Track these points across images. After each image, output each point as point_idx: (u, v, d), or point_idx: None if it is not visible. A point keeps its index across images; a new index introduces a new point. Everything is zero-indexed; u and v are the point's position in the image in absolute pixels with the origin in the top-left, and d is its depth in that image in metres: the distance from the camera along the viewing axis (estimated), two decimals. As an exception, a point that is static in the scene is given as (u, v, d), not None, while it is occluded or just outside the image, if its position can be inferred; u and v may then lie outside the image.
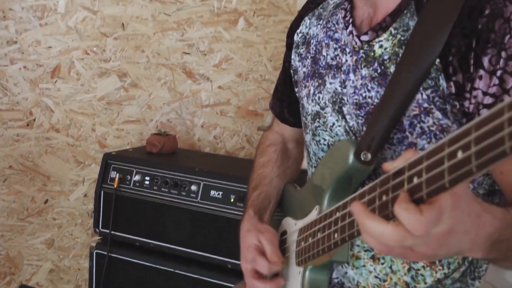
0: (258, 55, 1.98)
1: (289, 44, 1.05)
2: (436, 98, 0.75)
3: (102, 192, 1.66)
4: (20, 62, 1.87)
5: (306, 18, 1.01)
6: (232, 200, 1.52)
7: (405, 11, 0.80)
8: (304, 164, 1.09)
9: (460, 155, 0.48)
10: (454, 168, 0.49)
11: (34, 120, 1.92)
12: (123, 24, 1.90)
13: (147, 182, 1.62)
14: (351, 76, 0.85)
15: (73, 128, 1.94)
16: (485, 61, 0.71)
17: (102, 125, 1.95)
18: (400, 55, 0.78)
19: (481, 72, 0.71)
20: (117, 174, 1.64)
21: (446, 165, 0.50)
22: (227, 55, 1.97)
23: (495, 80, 0.70)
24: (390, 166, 0.58)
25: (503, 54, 0.70)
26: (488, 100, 0.71)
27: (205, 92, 1.98)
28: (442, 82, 0.74)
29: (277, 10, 1.97)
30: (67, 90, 1.91)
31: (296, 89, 1.03)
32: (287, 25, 1.97)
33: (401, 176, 0.56)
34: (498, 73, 0.70)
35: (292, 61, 1.02)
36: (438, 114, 0.76)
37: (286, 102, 1.10)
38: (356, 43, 0.85)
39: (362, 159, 0.78)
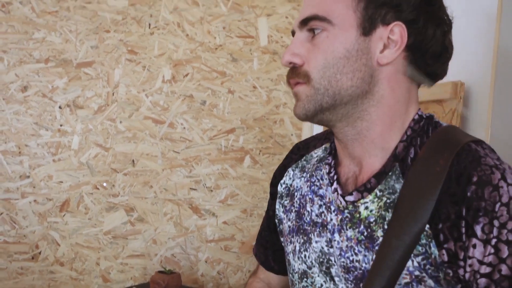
0: (263, 191, 2.02)
1: (273, 194, 1.03)
2: (428, 266, 0.74)
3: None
4: (31, 196, 1.92)
5: (290, 169, 1.00)
6: None
7: (390, 173, 0.81)
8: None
9: None
10: None
11: (40, 253, 1.93)
12: (133, 160, 1.97)
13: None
14: (336, 236, 0.84)
15: (78, 261, 1.95)
16: (478, 229, 0.70)
17: (106, 259, 1.96)
18: (387, 218, 0.78)
19: (475, 240, 0.70)
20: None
21: None
22: (233, 191, 2.02)
23: (490, 249, 0.70)
24: None
25: (496, 222, 0.70)
26: (485, 269, 0.70)
27: (210, 227, 2.00)
28: (434, 250, 0.74)
29: (282, 149, 2.05)
30: (74, 224, 1.95)
31: (281, 239, 1.01)
32: (291, 163, 2.05)
33: None
34: (493, 242, 0.69)
35: (277, 210, 1.01)
36: (430, 282, 0.74)
37: (271, 250, 1.06)
38: (341, 203, 0.84)
39: None
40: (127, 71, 1.97)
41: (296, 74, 0.83)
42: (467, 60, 1.32)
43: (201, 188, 2.00)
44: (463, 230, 0.72)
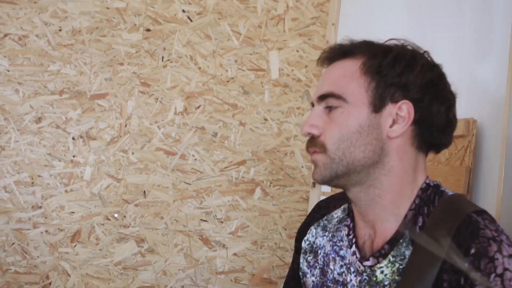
0: (274, 223, 2.03)
1: (298, 248, 1.12)
2: None
3: None
4: (42, 226, 1.93)
5: (312, 228, 1.09)
6: None
7: (401, 240, 0.88)
8: None
9: None
10: None
11: (50, 284, 1.93)
12: (144, 191, 1.98)
13: None
14: None
15: (88, 292, 1.95)
16: None
17: (116, 290, 1.96)
18: (399, 283, 0.85)
19: None
20: None
21: None
22: (243, 223, 2.02)
23: None
24: None
25: None
26: None
27: (220, 259, 2.00)
28: None
29: (293, 181, 2.06)
30: (85, 254, 1.95)
31: None
32: (302, 195, 2.06)
33: None
34: None
35: (301, 264, 1.09)
36: None
37: None
38: (359, 267, 0.92)
39: None
40: (140, 103, 2.00)
41: (314, 144, 0.92)
42: (479, 98, 1.34)
43: (211, 220, 2.01)
44: None
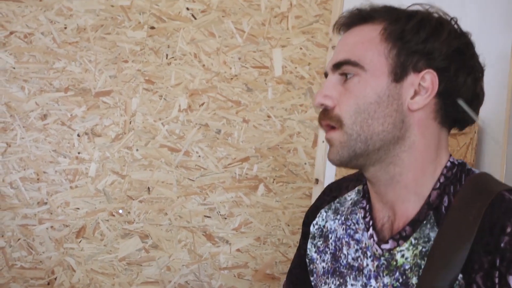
0: (277, 219, 2.04)
1: (305, 233, 1.06)
2: None
3: None
4: (48, 222, 1.95)
5: (323, 211, 1.02)
6: None
7: (424, 222, 0.82)
8: None
9: None
10: None
11: (55, 279, 1.95)
12: (148, 188, 2.00)
13: None
14: (373, 282, 0.85)
15: (93, 287, 1.97)
16: (511, 280, 0.71)
17: (121, 285, 1.98)
18: (422, 266, 0.79)
19: None
20: None
21: None
22: (247, 219, 2.04)
23: None
24: None
25: None
26: None
27: (223, 255, 2.02)
28: None
29: (296, 178, 2.07)
30: (90, 250, 1.97)
31: (311, 278, 1.02)
32: (305, 191, 2.07)
33: None
34: None
35: (308, 250, 1.02)
36: None
37: (300, 287, 1.08)
38: (377, 250, 0.86)
39: None
40: (144, 100, 2.02)
41: (328, 117, 0.85)
42: (481, 95, 1.35)
43: (215, 216, 2.03)
44: (496, 280, 0.72)
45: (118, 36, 2.01)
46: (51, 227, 1.95)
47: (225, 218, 2.03)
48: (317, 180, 2.08)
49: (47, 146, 1.96)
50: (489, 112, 1.30)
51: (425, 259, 0.79)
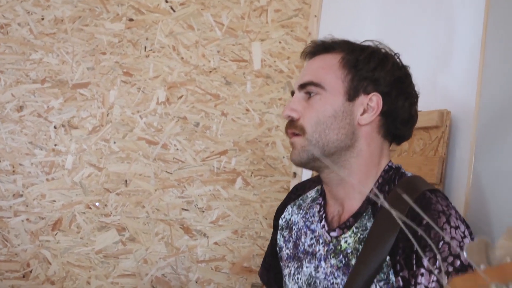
0: (254, 213, 2.05)
1: (275, 226, 1.24)
2: None
3: None
4: (23, 214, 1.93)
5: (289, 206, 1.20)
6: None
7: (364, 214, 1.00)
8: None
9: None
10: None
11: (31, 272, 1.94)
12: (126, 180, 2.00)
13: None
14: (323, 263, 1.03)
15: (69, 280, 1.96)
16: (425, 261, 0.87)
17: (97, 278, 1.97)
18: (360, 250, 0.95)
19: (422, 270, 0.87)
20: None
21: None
22: (224, 213, 2.04)
23: (433, 277, 0.86)
24: None
25: (439, 256, 0.87)
26: None
27: (201, 248, 2.02)
28: (392, 277, 0.91)
29: (274, 171, 2.08)
30: (66, 242, 1.96)
31: (281, 264, 1.19)
32: (282, 185, 2.08)
33: None
34: (436, 271, 0.85)
35: (278, 240, 1.20)
36: None
37: (272, 273, 1.26)
38: (327, 237, 1.03)
39: None
40: (122, 92, 2.01)
41: (294, 126, 1.02)
42: (453, 90, 1.37)
43: (192, 209, 2.03)
44: (414, 261, 0.89)
45: (96, 28, 2.00)
46: (27, 219, 1.94)
47: (203, 211, 2.03)
48: (295, 174, 2.09)
49: (23, 138, 1.94)
50: (459, 105, 1.31)
51: (362, 244, 0.96)
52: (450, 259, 0.86)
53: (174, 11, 2.06)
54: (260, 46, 2.10)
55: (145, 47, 2.03)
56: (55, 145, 1.96)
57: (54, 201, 1.95)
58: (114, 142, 1.99)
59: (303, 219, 1.13)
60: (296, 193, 1.23)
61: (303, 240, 1.10)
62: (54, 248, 1.95)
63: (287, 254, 1.14)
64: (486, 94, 1.17)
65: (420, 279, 0.87)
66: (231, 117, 2.07)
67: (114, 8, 2.01)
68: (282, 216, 1.21)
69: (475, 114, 1.20)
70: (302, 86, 1.03)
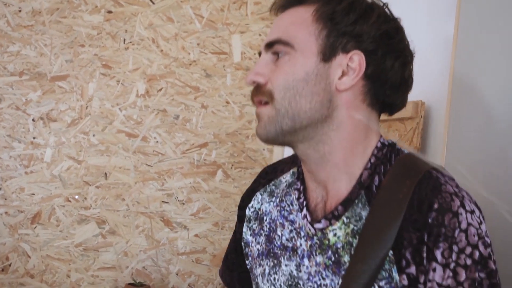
0: (235, 205, 2.05)
1: (241, 217, 1.04)
2: None
3: None
4: (2, 208, 1.92)
5: (258, 193, 1.01)
6: None
7: (356, 201, 0.83)
8: None
9: None
10: None
11: (10, 265, 1.93)
12: (105, 173, 1.99)
13: None
14: (306, 261, 0.86)
15: (48, 273, 1.95)
16: (438, 254, 0.73)
17: (77, 271, 1.97)
18: (354, 245, 0.80)
19: (435, 264, 0.74)
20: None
21: None
22: (205, 205, 2.04)
23: (449, 273, 0.73)
24: None
25: (455, 247, 0.74)
26: None
27: (181, 240, 2.02)
28: (395, 275, 0.76)
29: (254, 163, 2.08)
30: (45, 236, 1.95)
31: (247, 261, 1.01)
32: (263, 177, 2.08)
33: None
34: (451, 265, 0.73)
35: (244, 233, 1.01)
36: None
37: (236, 272, 1.08)
38: (310, 230, 0.86)
39: None
40: (101, 85, 2.00)
41: (260, 92, 0.85)
42: (428, 81, 1.38)
43: (173, 201, 2.03)
44: (424, 254, 0.75)
45: (74, 20, 1.99)
46: (6, 212, 1.93)
47: (183, 204, 2.03)
48: (275, 166, 2.09)
49: (1, 131, 1.93)
50: (432, 95, 1.33)
51: (357, 237, 0.80)
52: (468, 250, 0.74)
53: (153, 3, 2.05)
54: (240, 39, 2.10)
55: (124, 40, 2.02)
56: (34, 138, 1.95)
57: (33, 194, 1.94)
58: (94, 135, 1.98)
59: (278, 207, 0.95)
60: (266, 178, 1.03)
61: (279, 233, 0.92)
62: (34, 241, 1.95)
63: (258, 250, 0.97)
64: (458, 85, 1.19)
65: (432, 275, 0.74)
66: (211, 109, 2.07)
67: (92, 0, 2.00)
68: (250, 205, 1.01)
69: (447, 105, 1.21)
70: (269, 46, 0.86)
